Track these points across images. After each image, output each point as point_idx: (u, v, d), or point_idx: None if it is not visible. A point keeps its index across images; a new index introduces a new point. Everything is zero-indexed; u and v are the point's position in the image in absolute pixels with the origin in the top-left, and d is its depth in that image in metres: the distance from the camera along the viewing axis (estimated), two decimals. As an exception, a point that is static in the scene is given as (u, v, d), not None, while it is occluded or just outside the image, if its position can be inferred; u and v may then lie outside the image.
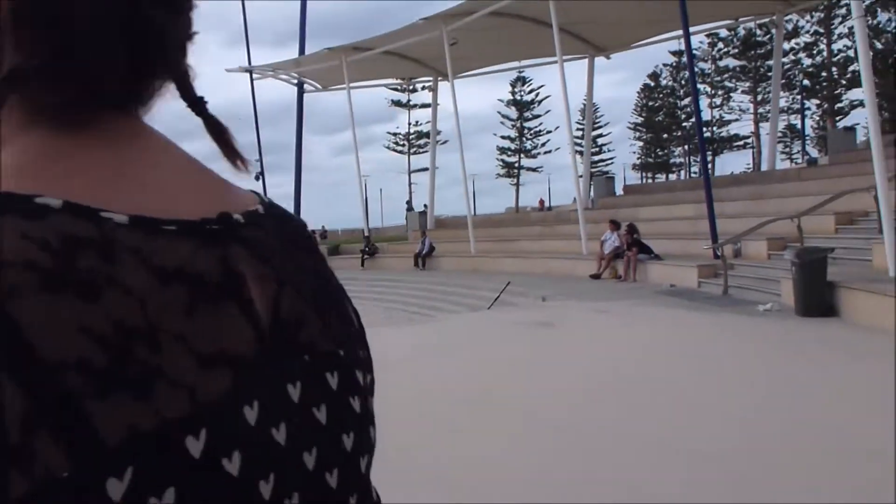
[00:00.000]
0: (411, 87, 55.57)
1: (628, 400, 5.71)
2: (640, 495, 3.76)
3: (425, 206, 31.73)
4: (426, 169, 36.26)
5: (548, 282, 16.49)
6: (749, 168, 53.20)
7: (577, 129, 50.19)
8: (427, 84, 31.24)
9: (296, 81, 28.75)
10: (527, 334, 9.57)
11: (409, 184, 64.13)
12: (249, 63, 27.72)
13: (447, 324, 12.11)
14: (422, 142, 60.43)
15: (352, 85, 26.49)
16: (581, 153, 32.08)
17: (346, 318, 0.59)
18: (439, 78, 27.89)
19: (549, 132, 64.01)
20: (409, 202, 41.17)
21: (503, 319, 11.34)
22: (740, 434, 4.67)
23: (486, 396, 6.05)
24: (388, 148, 65.52)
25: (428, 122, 34.24)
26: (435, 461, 4.42)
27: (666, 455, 4.31)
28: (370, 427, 0.57)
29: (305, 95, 29.89)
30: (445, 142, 46.71)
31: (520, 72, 59.19)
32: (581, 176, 27.96)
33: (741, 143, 58.28)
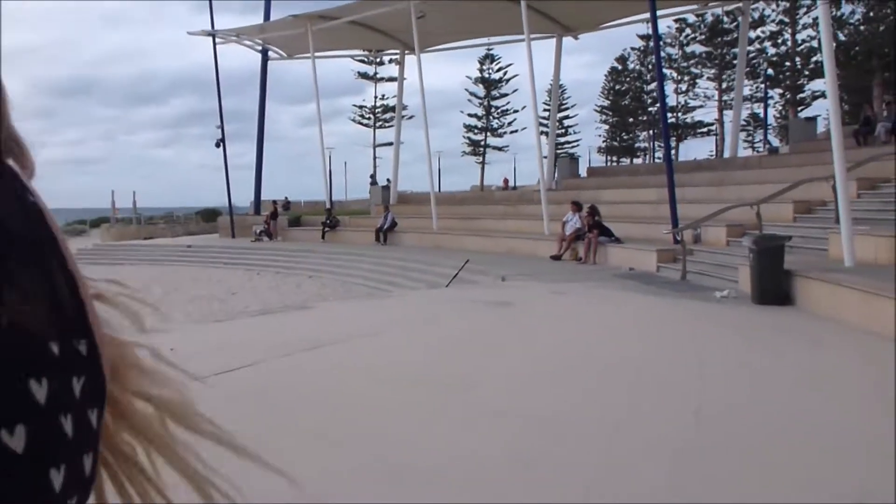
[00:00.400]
0: (378, 60, 54.99)
1: (579, 383, 5.65)
2: (586, 479, 3.68)
3: (388, 180, 31.45)
4: (391, 143, 35.89)
5: (509, 261, 16.43)
6: (712, 155, 53.70)
7: (544, 110, 50.14)
8: (394, 57, 30.81)
9: (260, 48, 28.14)
10: (483, 313, 9.48)
11: (374, 158, 63.53)
12: (213, 27, 27.02)
13: (403, 300, 11.97)
14: (388, 116, 59.75)
15: (317, 54, 25.97)
16: (547, 134, 32.02)
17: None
18: (406, 51, 27.52)
19: (516, 111, 63.78)
20: (373, 176, 40.81)
21: (461, 297, 11.24)
22: (690, 419, 4.63)
23: (433, 376, 5.94)
24: (353, 121, 64.71)
25: (395, 96, 33.79)
26: (375, 442, 4.29)
27: (611, 439, 4.25)
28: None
29: (272, 63, 29.33)
30: (411, 117, 46.17)
31: (488, 49, 58.77)
32: (546, 157, 27.93)
33: (705, 129, 58.77)
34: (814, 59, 44.43)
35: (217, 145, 29.28)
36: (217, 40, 27.07)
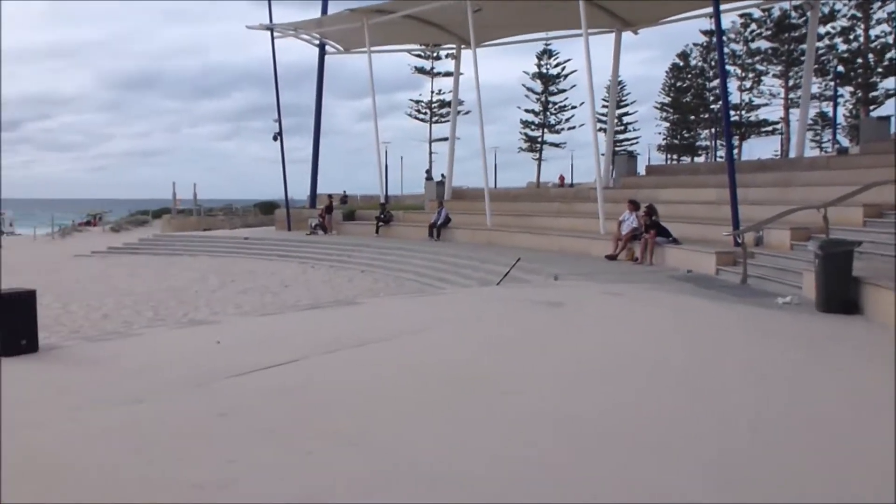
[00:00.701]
0: (434, 55, 54.94)
1: (628, 388, 5.41)
2: (631, 486, 3.47)
3: (443, 176, 31.35)
4: (447, 139, 35.79)
5: (562, 260, 16.14)
6: (777, 154, 52.13)
7: (603, 107, 49.35)
8: (450, 52, 30.65)
9: (317, 42, 28.31)
10: (533, 313, 9.27)
11: (430, 153, 63.59)
12: (270, 20, 27.30)
13: (453, 297, 11.82)
14: (444, 111, 59.75)
15: (373, 49, 26.00)
16: (605, 130, 31.48)
17: None
18: (462, 46, 27.34)
19: (573, 108, 63.04)
20: (428, 171, 40.67)
21: (511, 296, 11.04)
22: (738, 430, 4.36)
23: (477, 376, 5.77)
24: (409, 116, 64.89)
25: (451, 91, 33.66)
26: (409, 445, 4.15)
27: (656, 447, 4.02)
28: None
29: (331, 58, 29.48)
30: (468, 112, 46.03)
31: (546, 44, 58.23)
32: (603, 154, 27.44)
33: (770, 128, 57.03)
34: (888, 55, 42.67)
35: (274, 139, 29.60)
36: (275, 34, 27.34)
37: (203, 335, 7.82)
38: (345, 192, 40.82)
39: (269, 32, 27.38)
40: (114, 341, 7.62)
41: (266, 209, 41.52)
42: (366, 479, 3.67)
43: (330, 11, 28.27)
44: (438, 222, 24.13)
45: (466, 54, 27.25)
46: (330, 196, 31.55)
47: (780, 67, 52.55)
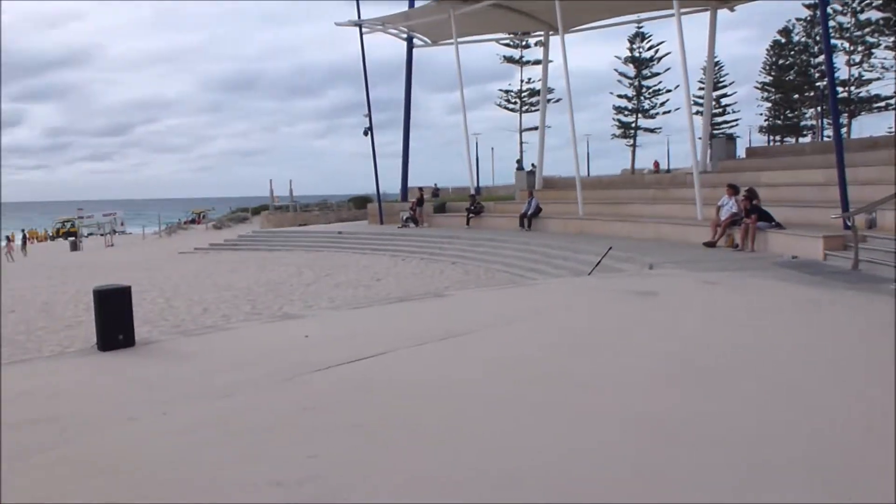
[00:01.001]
0: (524, 43, 54.35)
1: (722, 385, 5.08)
2: (716, 494, 3.22)
3: (533, 165, 30.99)
4: (538, 128, 35.33)
5: (657, 248, 15.61)
6: (891, 131, 48.97)
7: (699, 89, 47.57)
8: (540, 39, 30.21)
9: (405, 36, 28.45)
10: (625, 303, 8.94)
11: (520, 143, 63.09)
12: (359, 17, 27.60)
13: (542, 288, 11.58)
14: (534, 100, 59.10)
15: (460, 40, 25.89)
16: (701, 113, 30.34)
17: None
18: (551, 32, 26.88)
19: (668, 91, 61.13)
20: (519, 161, 40.31)
21: (603, 286, 10.71)
22: (836, 433, 4.00)
23: (563, 371, 5.56)
24: (499, 106, 64.54)
25: (541, 79, 33.20)
26: (492, 441, 4.00)
27: (748, 450, 3.72)
28: None
29: (422, 52, 29.60)
30: (558, 100, 45.46)
31: (638, 26, 56.73)
32: (700, 138, 26.48)
33: (882, 104, 53.64)
34: None
35: (365, 134, 30.00)
36: (363, 30, 27.64)
37: (293, 329, 7.92)
38: (435, 184, 40.99)
39: (357, 29, 27.70)
40: (207, 335, 7.80)
41: (359, 203, 42.19)
42: (446, 475, 3.56)
43: (417, 4, 28.35)
44: (529, 212, 23.87)
45: (555, 41, 26.80)
46: (421, 189, 31.73)
47: (892, 39, 49.29)
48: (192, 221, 61.96)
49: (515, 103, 63.42)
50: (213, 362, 6.32)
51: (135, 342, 6.89)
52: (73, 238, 51.79)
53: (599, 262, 13.98)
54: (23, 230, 58.86)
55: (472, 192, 28.89)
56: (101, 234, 57.75)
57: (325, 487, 3.46)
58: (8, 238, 44.21)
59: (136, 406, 4.94)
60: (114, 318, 6.79)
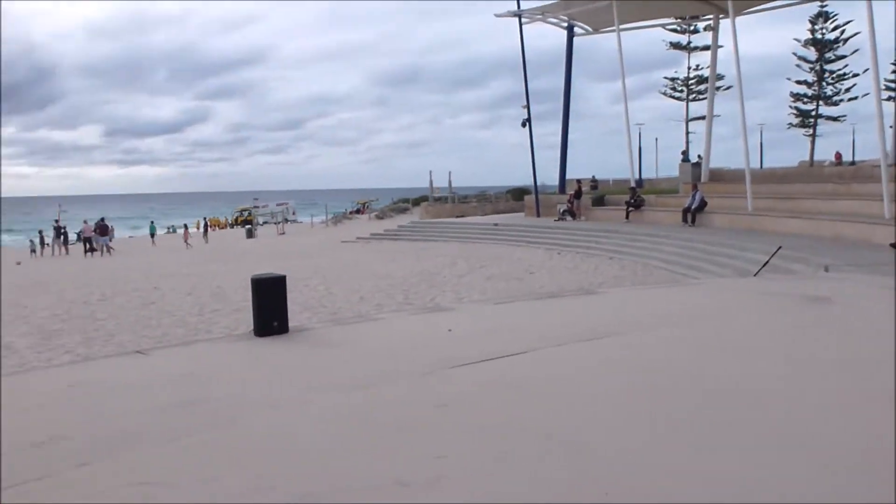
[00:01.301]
0: (691, 28, 51.90)
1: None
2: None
3: (699, 157, 29.52)
4: (705, 117, 33.62)
5: (835, 248, 14.36)
6: None
7: (893, 72, 43.39)
8: (708, 23, 28.66)
9: (565, 24, 27.96)
10: (791, 310, 8.22)
11: (686, 133, 60.38)
12: (518, 7, 27.41)
13: (702, 289, 10.93)
14: (702, 87, 56.31)
15: (623, 26, 25.06)
16: (893, 99, 27.62)
17: None
18: (721, 15, 25.39)
19: (855, 75, 56.12)
20: (684, 152, 38.53)
21: (769, 288, 9.94)
22: None
23: (715, 390, 5.13)
24: (664, 94, 62.07)
25: (709, 65, 31.51)
26: (626, 456, 3.72)
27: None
28: None
29: (586, 40, 29.04)
30: (728, 87, 42.86)
31: (822, 5, 52.54)
32: (892, 126, 24.18)
33: None
34: None
35: (523, 125, 29.84)
36: (523, 20, 27.43)
37: (439, 322, 7.92)
38: (593, 177, 40.09)
39: (517, 19, 27.53)
40: (356, 325, 7.97)
41: (517, 195, 42.11)
42: (576, 489, 3.35)
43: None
44: (693, 206, 22.79)
45: (725, 24, 25.29)
46: (579, 181, 31.15)
47: None
48: (357, 211, 64.54)
49: (682, 91, 60.74)
50: (358, 353, 6.43)
51: (288, 329, 7.15)
52: (248, 226, 55.43)
53: (767, 261, 13.03)
54: (204, 218, 63.90)
55: (633, 184, 27.97)
56: (275, 223, 61.46)
57: (447, 492, 3.36)
58: (186, 226, 48.13)
59: (279, 393, 5.09)
60: (269, 306, 7.08)
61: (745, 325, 7.57)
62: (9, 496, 3.43)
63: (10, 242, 55.04)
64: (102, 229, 37.92)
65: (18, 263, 31.16)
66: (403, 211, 48.67)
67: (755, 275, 12.53)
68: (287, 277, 7.15)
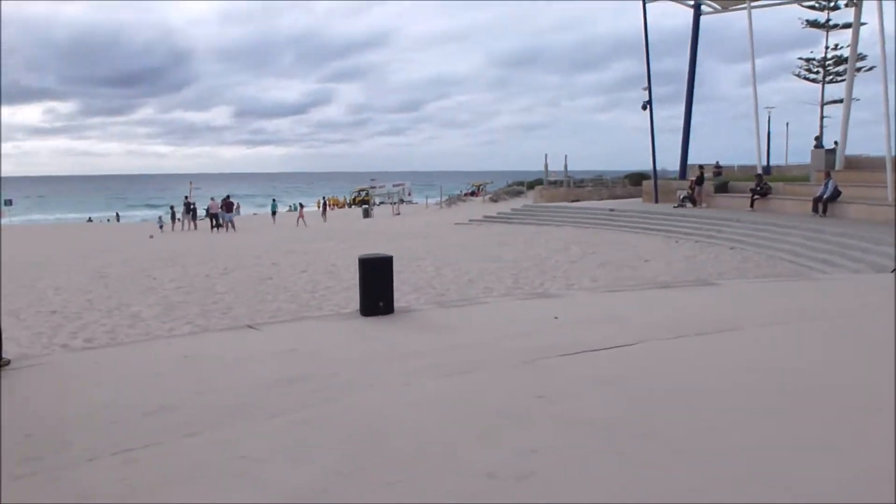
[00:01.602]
0: (831, 4, 48.59)
1: None
2: None
3: (835, 143, 27.66)
4: (843, 100, 31.46)
5: None
6: None
7: None
8: (850, -1, 26.71)
9: (692, 3, 26.77)
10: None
11: (821, 117, 56.76)
12: (643, -14, 26.47)
13: (828, 284, 10.21)
14: (841, 69, 52.72)
15: (755, 4, 23.73)
16: None
17: None
18: (866, -10, 23.61)
19: None
20: (817, 138, 36.24)
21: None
22: None
23: (842, 393, 4.73)
24: (798, 76, 58.52)
25: (849, 45, 29.44)
26: (731, 458, 3.47)
27: None
28: None
29: (715, 20, 27.84)
30: (870, 68, 39.89)
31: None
32: None
33: None
34: None
35: (644, 108, 28.89)
36: (647, -1, 26.47)
37: (546, 308, 7.77)
38: (717, 162, 38.35)
39: (640, -1, 26.63)
40: (461, 308, 7.93)
41: (635, 180, 40.90)
42: (678, 494, 3.15)
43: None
44: (825, 195, 21.38)
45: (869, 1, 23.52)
46: (701, 167, 29.88)
47: None
48: (472, 193, 64.66)
49: (818, 73, 57.03)
50: (460, 337, 6.38)
51: (394, 309, 7.19)
52: (365, 206, 56.67)
53: (907, 256, 12.03)
54: (324, 197, 65.87)
55: (759, 170, 26.53)
56: (391, 203, 62.56)
57: (539, 487, 3.24)
58: (301, 205, 49.72)
59: (379, 373, 5.11)
60: (376, 286, 7.15)
61: (881, 326, 6.98)
62: (99, 466, 3.57)
63: (149, 216, 59.06)
64: (228, 206, 39.79)
65: (151, 237, 33.12)
66: (518, 194, 48.31)
67: (893, 271, 11.59)
68: (398, 257, 7.18)
